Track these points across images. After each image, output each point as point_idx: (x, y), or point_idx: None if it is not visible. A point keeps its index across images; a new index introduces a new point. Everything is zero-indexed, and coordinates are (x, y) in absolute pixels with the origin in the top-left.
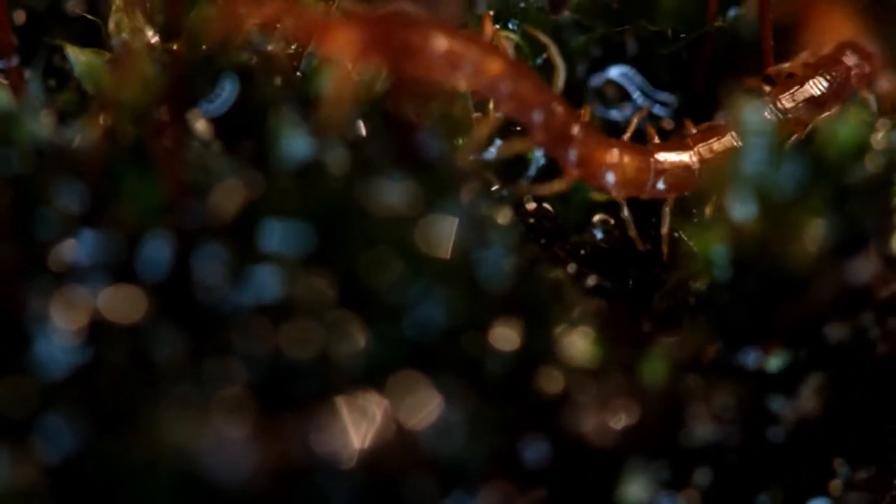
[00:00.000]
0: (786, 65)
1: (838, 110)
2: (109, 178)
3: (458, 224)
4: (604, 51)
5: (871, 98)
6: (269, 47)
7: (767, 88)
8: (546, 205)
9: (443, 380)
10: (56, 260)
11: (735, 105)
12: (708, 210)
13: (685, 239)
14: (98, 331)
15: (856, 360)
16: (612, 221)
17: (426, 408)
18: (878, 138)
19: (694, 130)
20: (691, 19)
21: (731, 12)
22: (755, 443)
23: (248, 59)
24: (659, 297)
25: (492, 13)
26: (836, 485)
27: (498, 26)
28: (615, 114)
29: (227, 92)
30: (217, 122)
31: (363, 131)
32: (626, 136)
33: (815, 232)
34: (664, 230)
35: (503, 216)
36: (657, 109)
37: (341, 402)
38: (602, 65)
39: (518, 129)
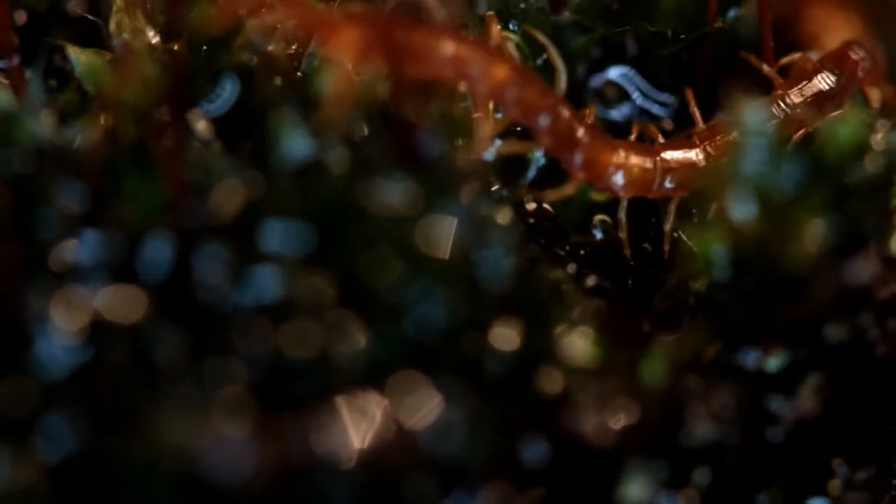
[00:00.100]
0: (796, 55)
1: (843, 107)
2: (110, 179)
3: (458, 224)
4: (604, 51)
5: (874, 95)
6: (270, 47)
7: (780, 81)
8: (546, 205)
9: (443, 380)
10: (57, 260)
11: (736, 105)
12: (708, 210)
13: (685, 239)
14: (98, 331)
15: (855, 361)
16: (612, 222)
17: (426, 408)
18: (878, 139)
19: (702, 126)
20: (691, 20)
21: (731, 13)
22: (754, 443)
23: (249, 60)
24: (659, 297)
25: (494, 15)
26: (835, 485)
27: (499, 27)
28: (615, 114)
29: (227, 92)
30: (217, 123)
31: (363, 131)
32: (632, 136)
33: (815, 232)
34: (667, 227)
35: (503, 216)
36: (657, 110)
37: (341, 402)
38: (602, 65)
39: (518, 129)
